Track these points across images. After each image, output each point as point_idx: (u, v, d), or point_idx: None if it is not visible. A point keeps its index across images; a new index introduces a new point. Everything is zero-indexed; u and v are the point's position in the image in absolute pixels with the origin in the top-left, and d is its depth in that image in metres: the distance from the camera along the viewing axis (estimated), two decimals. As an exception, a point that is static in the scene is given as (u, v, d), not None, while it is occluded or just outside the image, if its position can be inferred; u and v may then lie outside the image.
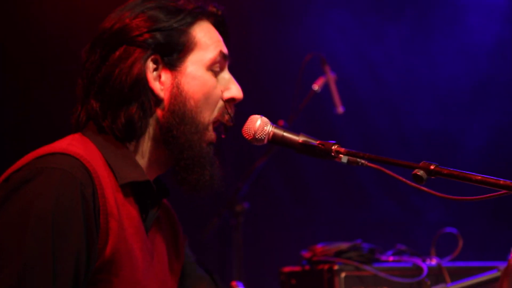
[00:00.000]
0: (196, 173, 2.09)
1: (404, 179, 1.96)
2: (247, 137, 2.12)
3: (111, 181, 1.97)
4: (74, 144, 1.98)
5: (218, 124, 2.16)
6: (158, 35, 2.06)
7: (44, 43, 5.09)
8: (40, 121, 5.08)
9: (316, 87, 4.57)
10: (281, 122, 4.30)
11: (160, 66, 2.09)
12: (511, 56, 5.74)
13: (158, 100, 2.08)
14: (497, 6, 5.72)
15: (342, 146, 2.06)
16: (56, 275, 1.82)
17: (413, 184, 1.93)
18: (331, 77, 4.60)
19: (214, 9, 2.18)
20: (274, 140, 2.11)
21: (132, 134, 2.05)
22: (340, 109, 4.61)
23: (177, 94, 2.08)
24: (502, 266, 3.45)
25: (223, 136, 2.18)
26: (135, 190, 2.05)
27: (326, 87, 4.59)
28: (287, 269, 3.71)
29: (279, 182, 5.78)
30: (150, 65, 2.07)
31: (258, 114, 2.14)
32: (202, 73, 2.11)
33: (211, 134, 2.13)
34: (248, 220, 4.57)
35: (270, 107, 5.43)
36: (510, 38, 5.72)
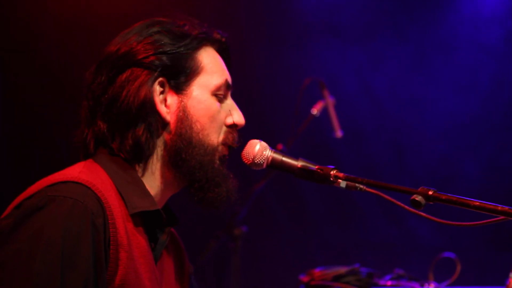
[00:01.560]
0: (212, 192, 2.10)
1: (402, 205, 1.96)
2: (246, 161, 2.13)
3: (121, 210, 1.97)
4: (85, 172, 1.98)
5: (225, 143, 2.16)
6: (165, 58, 2.07)
7: (39, 54, 5.13)
8: (36, 131, 5.12)
9: (315, 111, 4.58)
10: (280, 146, 4.31)
11: (167, 89, 2.09)
12: (508, 93, 5.80)
13: (164, 123, 2.08)
14: (493, 44, 5.79)
15: (340, 171, 2.06)
16: None
17: (411, 209, 1.92)
18: (330, 101, 4.61)
19: (219, 36, 2.20)
20: (273, 164, 2.11)
21: (140, 156, 2.06)
22: (338, 133, 4.62)
23: (183, 117, 2.08)
24: (500, 291, 3.46)
25: (226, 157, 2.17)
26: (144, 218, 2.05)
27: (325, 111, 4.60)
28: (285, 293, 3.71)
29: (277, 206, 5.78)
30: (157, 88, 2.07)
31: (257, 138, 2.15)
32: (207, 98, 2.11)
33: (222, 149, 2.14)
34: (246, 243, 4.57)
35: (269, 130, 5.45)
36: (507, 76, 5.78)
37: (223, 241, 4.56)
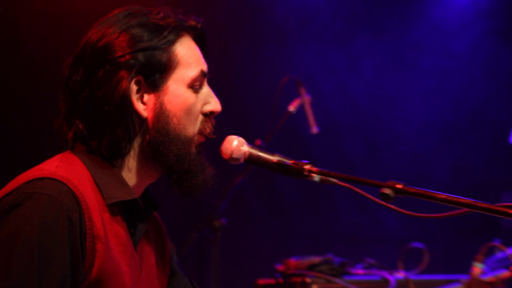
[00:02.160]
0: (189, 183, 2.12)
1: (372, 197, 1.99)
2: (224, 156, 2.15)
3: (98, 202, 1.98)
4: (62, 166, 1.99)
5: (201, 132, 2.16)
6: (141, 56, 2.03)
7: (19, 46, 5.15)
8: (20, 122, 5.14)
9: (292, 108, 4.65)
10: (258, 142, 4.36)
11: (143, 87, 2.06)
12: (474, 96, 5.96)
13: (141, 120, 2.07)
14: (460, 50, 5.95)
15: (315, 166, 2.09)
16: None
17: (380, 201, 1.97)
18: (306, 99, 4.67)
19: (194, 23, 2.15)
20: (250, 159, 2.15)
21: (118, 153, 2.07)
22: (314, 129, 4.70)
23: (160, 113, 2.07)
24: (464, 279, 3.61)
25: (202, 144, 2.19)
26: (122, 207, 2.06)
27: (301, 109, 4.66)
28: (261, 281, 3.83)
29: (255, 199, 5.85)
30: (134, 87, 2.05)
31: (235, 134, 2.18)
32: (184, 91, 2.10)
33: (198, 138, 2.15)
34: (225, 235, 4.64)
35: (248, 127, 5.51)
36: (473, 80, 5.94)
37: (204, 232, 4.62)
